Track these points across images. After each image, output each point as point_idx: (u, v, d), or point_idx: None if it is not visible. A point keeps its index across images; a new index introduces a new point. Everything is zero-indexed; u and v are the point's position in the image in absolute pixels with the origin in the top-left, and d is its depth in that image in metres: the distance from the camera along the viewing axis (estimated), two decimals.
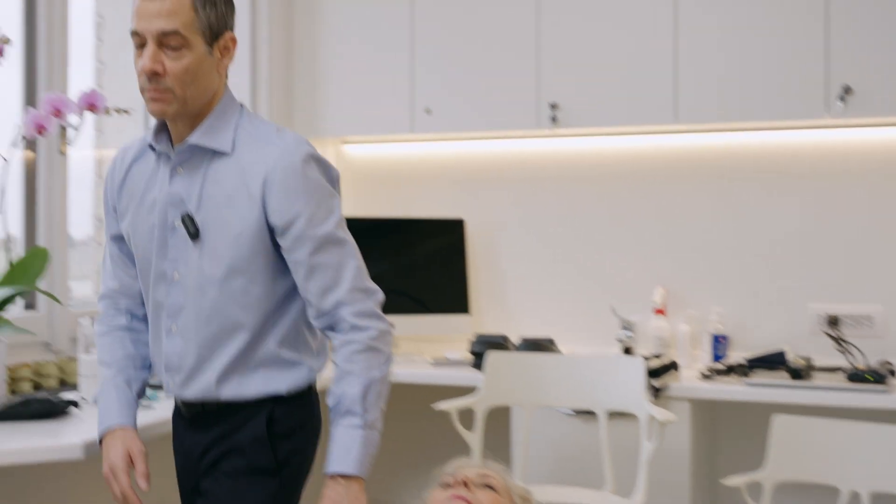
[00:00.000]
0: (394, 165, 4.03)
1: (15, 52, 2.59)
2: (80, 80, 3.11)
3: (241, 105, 1.99)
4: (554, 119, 3.48)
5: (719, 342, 3.43)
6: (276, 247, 1.92)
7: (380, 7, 3.75)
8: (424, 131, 3.71)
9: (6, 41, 2.42)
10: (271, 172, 1.87)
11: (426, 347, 3.79)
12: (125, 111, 2.95)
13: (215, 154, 1.92)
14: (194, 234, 1.91)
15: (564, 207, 3.79)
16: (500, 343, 3.42)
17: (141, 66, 1.83)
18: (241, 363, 1.94)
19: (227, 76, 1.98)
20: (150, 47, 1.83)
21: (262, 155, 1.89)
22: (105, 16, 3.47)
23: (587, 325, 3.69)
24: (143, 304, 2.08)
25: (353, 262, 1.92)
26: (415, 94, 3.68)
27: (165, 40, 1.82)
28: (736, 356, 3.39)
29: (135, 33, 1.85)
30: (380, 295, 1.94)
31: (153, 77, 1.84)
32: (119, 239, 2.09)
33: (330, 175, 1.95)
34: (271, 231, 1.90)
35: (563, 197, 3.79)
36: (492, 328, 3.83)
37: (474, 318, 3.82)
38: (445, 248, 3.82)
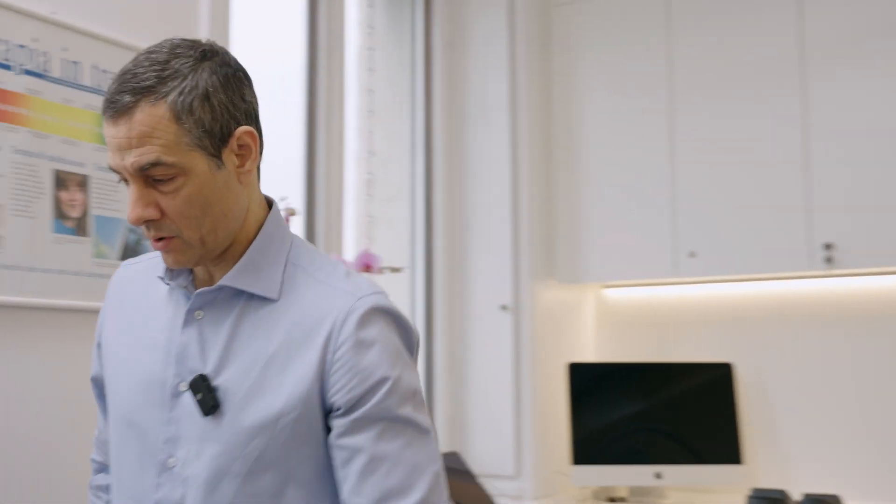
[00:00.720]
0: (656, 308, 3.94)
1: (297, 220, 2.75)
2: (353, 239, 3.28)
3: (293, 234, 1.46)
4: (829, 259, 3.30)
5: None
6: (328, 430, 1.36)
7: (639, 152, 3.72)
8: (688, 275, 3.61)
9: (293, 213, 2.60)
10: (337, 331, 1.33)
11: (697, 499, 3.61)
12: (398, 269, 3.07)
13: (253, 298, 1.38)
14: (211, 407, 1.33)
15: (845, 350, 3.55)
16: (779, 499, 3.22)
17: (129, 217, 1.31)
18: None
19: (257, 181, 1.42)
20: (134, 188, 1.30)
21: (325, 305, 1.35)
22: (375, 172, 3.66)
23: (876, 479, 3.40)
24: None
25: (434, 465, 1.34)
26: (678, 237, 3.60)
27: (148, 174, 1.29)
28: None
29: (111, 169, 1.33)
30: None
31: (150, 224, 1.33)
32: (100, 383, 1.55)
33: (410, 339, 1.41)
34: (325, 410, 1.35)
35: (842, 338, 3.55)
36: (768, 481, 3.58)
37: (748, 468, 3.61)
38: (713, 393, 3.66)
